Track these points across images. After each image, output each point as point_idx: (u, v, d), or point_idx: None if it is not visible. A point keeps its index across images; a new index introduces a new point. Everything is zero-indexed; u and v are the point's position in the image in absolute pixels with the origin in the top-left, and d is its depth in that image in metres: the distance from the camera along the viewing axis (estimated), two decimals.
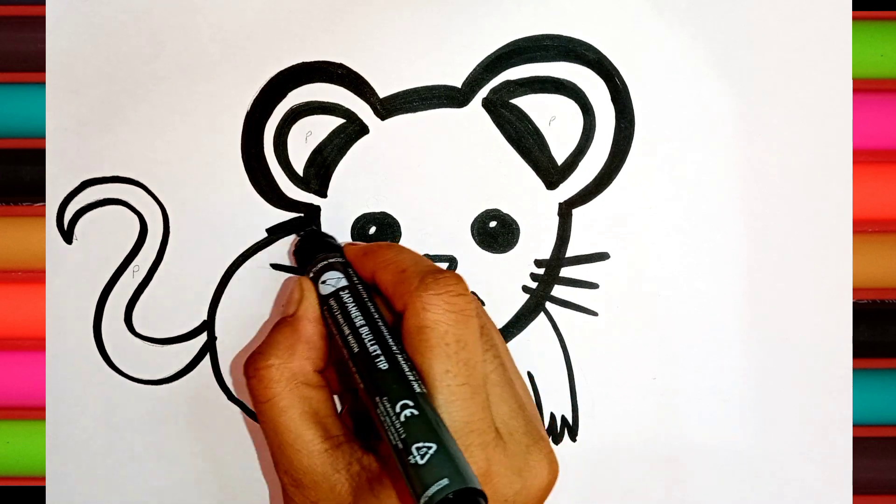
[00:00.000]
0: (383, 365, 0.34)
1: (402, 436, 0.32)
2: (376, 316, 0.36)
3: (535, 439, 0.36)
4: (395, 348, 0.35)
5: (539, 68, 0.43)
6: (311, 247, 0.41)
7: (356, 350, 0.35)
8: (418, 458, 0.31)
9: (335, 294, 0.37)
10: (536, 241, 0.43)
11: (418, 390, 0.33)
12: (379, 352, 0.35)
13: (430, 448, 0.31)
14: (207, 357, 0.44)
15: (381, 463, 0.35)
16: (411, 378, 0.34)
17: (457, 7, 0.43)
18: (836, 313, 0.43)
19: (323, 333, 0.38)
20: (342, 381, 0.40)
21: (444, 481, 0.30)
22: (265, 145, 0.43)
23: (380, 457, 0.36)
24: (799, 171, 0.43)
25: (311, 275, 0.39)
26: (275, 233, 0.43)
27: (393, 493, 0.34)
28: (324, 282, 0.38)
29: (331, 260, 0.39)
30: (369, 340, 0.35)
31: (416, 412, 0.32)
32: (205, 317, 0.44)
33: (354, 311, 0.36)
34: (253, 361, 0.37)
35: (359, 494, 0.35)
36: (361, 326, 0.36)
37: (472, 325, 0.35)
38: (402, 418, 0.32)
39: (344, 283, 0.38)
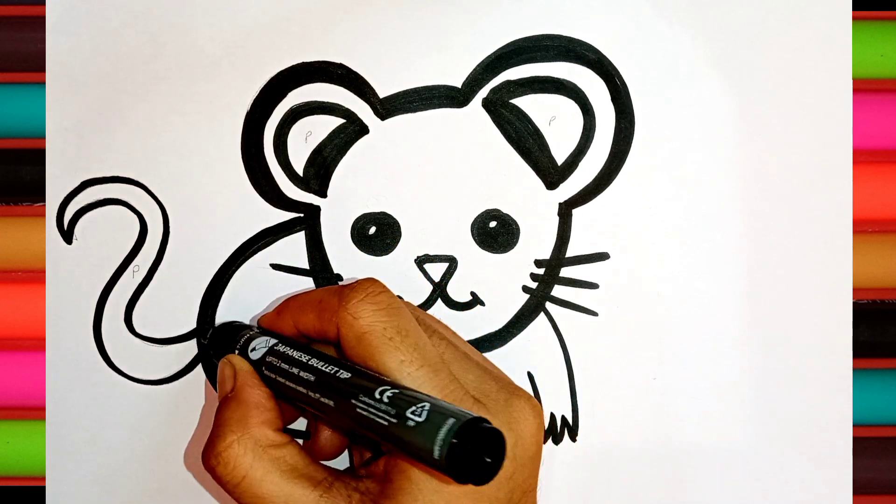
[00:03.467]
0: (345, 374, 0.34)
1: (393, 412, 0.32)
2: (317, 351, 0.37)
3: (511, 392, 0.36)
4: (348, 363, 0.35)
5: (539, 68, 0.43)
6: (222, 337, 0.41)
7: (313, 379, 0.35)
8: (417, 418, 0.31)
9: (270, 350, 0.37)
10: (536, 241, 0.43)
11: (388, 380, 0.34)
12: (335, 367, 0.35)
13: (423, 406, 0.31)
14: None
15: (377, 480, 0.35)
16: (377, 374, 0.34)
17: (457, 7, 0.43)
18: (836, 313, 0.43)
19: (270, 394, 0.37)
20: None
21: (451, 420, 0.30)
22: (265, 145, 0.43)
23: (373, 476, 0.36)
24: (799, 171, 0.43)
25: (237, 352, 0.39)
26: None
27: (399, 500, 0.34)
28: (252, 350, 0.38)
29: (248, 333, 0.39)
30: (322, 365, 0.35)
31: (395, 390, 0.33)
32: (205, 317, 0.44)
33: (296, 354, 0.36)
34: (211, 448, 0.36)
35: None
36: (308, 360, 0.36)
37: (406, 314, 0.36)
38: (386, 399, 0.32)
39: (273, 340, 0.38)
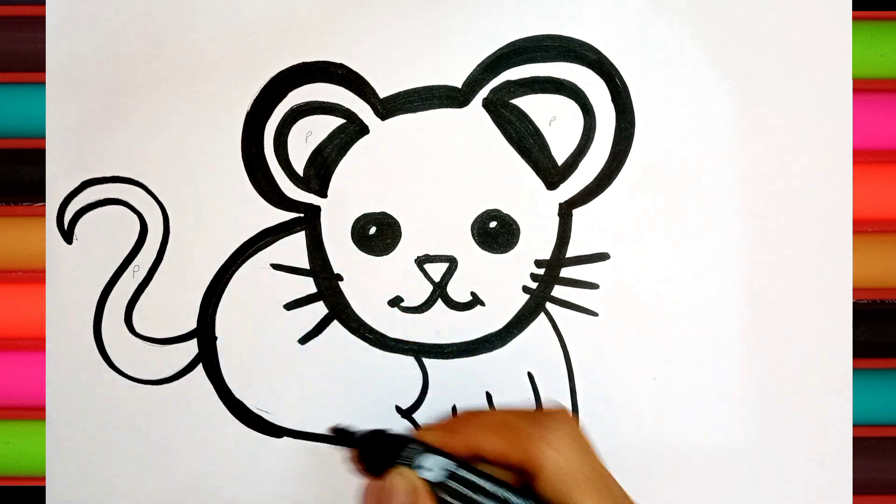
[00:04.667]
0: None
1: None
2: (507, 484, 0.35)
3: None
4: (532, 493, 0.34)
5: (539, 68, 0.43)
6: (379, 446, 0.37)
7: None
8: None
9: (450, 475, 0.35)
10: (537, 241, 0.43)
11: None
12: (520, 499, 0.33)
13: None
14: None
15: None
16: None
17: (457, 7, 0.43)
18: (836, 313, 0.43)
19: None
20: None
21: None
22: (265, 145, 0.43)
23: None
24: (799, 171, 0.43)
25: (406, 465, 0.36)
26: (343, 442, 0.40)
27: None
28: (421, 468, 0.35)
29: (412, 447, 0.36)
30: (506, 498, 0.34)
31: None
32: (205, 317, 0.44)
33: (480, 481, 0.34)
34: None
35: None
36: (505, 496, 0.34)
37: (597, 454, 0.35)
38: None
39: (450, 463, 0.35)
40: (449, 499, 0.35)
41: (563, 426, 0.34)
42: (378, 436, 0.38)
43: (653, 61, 0.43)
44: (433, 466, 0.35)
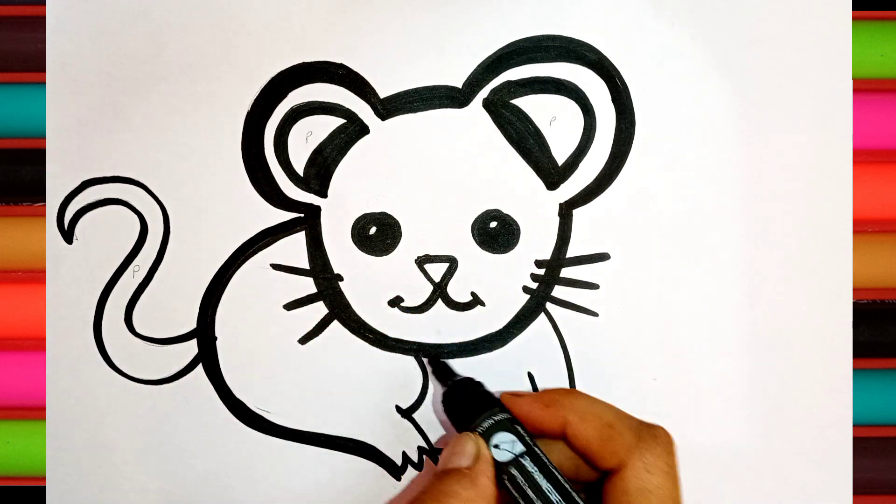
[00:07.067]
0: None
1: None
2: (566, 484, 0.35)
3: None
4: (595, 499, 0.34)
5: (539, 69, 0.43)
6: (465, 399, 0.39)
7: None
8: None
9: (515, 462, 0.35)
10: (537, 241, 0.43)
11: None
12: None
13: None
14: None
15: None
16: None
17: (457, 7, 0.43)
18: (836, 313, 0.43)
19: (496, 495, 0.35)
20: None
21: None
22: (265, 145, 0.43)
23: None
24: (799, 171, 0.43)
25: (480, 432, 0.37)
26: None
27: None
28: (496, 446, 0.36)
29: (496, 418, 0.37)
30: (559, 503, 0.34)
31: None
32: (205, 317, 0.44)
33: (542, 481, 0.35)
34: None
35: None
36: (549, 492, 0.34)
37: (680, 485, 0.35)
38: None
39: (520, 447, 0.36)
40: (508, 484, 0.35)
41: (662, 449, 0.35)
42: (470, 389, 0.39)
43: (653, 61, 0.43)
44: (505, 446, 0.36)
